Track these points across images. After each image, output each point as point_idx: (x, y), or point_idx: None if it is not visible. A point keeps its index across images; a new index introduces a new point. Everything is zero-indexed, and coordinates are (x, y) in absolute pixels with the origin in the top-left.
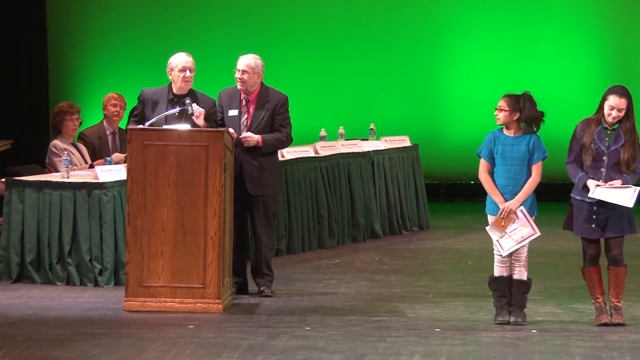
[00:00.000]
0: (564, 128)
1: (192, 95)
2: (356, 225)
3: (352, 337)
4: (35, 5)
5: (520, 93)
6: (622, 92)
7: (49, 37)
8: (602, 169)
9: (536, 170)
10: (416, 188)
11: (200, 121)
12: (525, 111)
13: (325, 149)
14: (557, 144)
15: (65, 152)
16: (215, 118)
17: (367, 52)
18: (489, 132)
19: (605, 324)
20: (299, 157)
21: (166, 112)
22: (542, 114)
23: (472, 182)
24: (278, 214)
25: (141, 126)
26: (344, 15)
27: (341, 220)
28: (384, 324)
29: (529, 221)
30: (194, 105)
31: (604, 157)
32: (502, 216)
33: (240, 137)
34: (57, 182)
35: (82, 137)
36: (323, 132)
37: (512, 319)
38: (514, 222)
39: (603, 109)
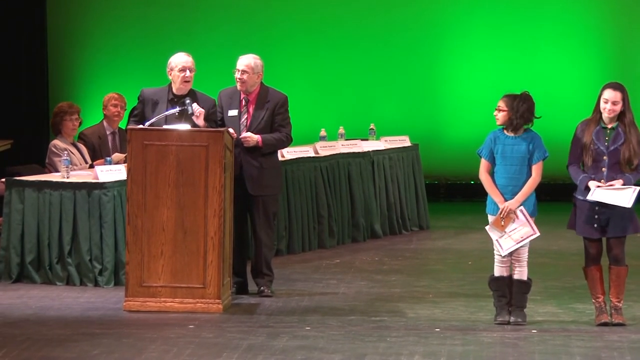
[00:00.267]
0: (564, 128)
1: (192, 95)
2: (356, 225)
3: (352, 337)
4: (35, 5)
5: (519, 93)
6: (615, 85)
7: (49, 37)
8: (603, 169)
9: (536, 170)
10: (416, 188)
11: (200, 121)
12: (515, 110)
13: (325, 149)
14: (557, 144)
15: (65, 152)
16: (215, 118)
17: (367, 52)
18: (490, 132)
19: (605, 324)
20: (299, 157)
21: (166, 112)
22: (532, 116)
23: (472, 182)
24: (278, 214)
25: (141, 126)
26: (344, 15)
27: (341, 220)
28: (384, 324)
29: (528, 221)
30: (194, 105)
31: (604, 157)
32: (501, 216)
33: (240, 137)
34: (57, 182)
35: (82, 137)
36: (323, 132)
37: (512, 319)
38: (513, 222)
39: (599, 107)
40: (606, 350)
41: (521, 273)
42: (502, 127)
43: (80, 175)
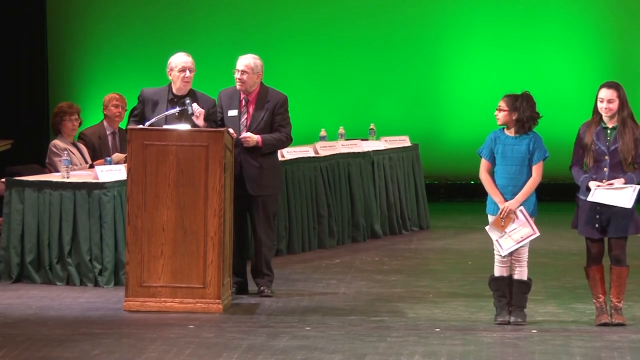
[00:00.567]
0: (564, 128)
1: (192, 95)
2: (356, 225)
3: (352, 337)
4: (35, 5)
5: (520, 93)
6: (609, 84)
7: (49, 37)
8: (605, 169)
9: (536, 171)
10: (416, 188)
11: (200, 121)
12: (521, 111)
13: (325, 149)
14: (557, 144)
15: (66, 152)
16: (215, 118)
17: (367, 52)
18: (490, 132)
19: (606, 324)
20: (299, 157)
21: (166, 112)
22: (538, 115)
23: (472, 182)
24: (278, 214)
25: (141, 126)
26: (344, 15)
27: (341, 220)
28: (384, 324)
29: (528, 221)
30: (194, 105)
31: (606, 157)
32: (501, 216)
33: (240, 137)
34: (57, 182)
35: (82, 137)
36: (323, 132)
37: (512, 319)
38: (513, 222)
39: (598, 107)
40: (606, 350)
41: (521, 273)
42: (502, 127)
43: (80, 175)
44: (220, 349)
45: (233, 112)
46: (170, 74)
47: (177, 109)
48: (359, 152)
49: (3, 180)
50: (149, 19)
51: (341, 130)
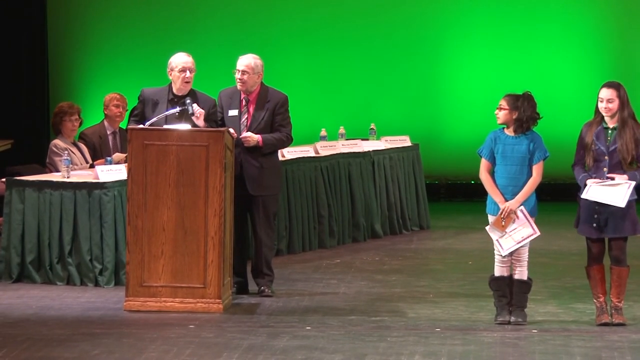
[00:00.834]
0: (564, 128)
1: (192, 95)
2: (356, 225)
3: (352, 337)
4: (35, 5)
5: (521, 93)
6: (610, 84)
7: (49, 37)
8: (605, 169)
9: (537, 170)
10: (416, 188)
11: (200, 122)
12: (521, 111)
13: (325, 148)
14: (557, 144)
15: (66, 151)
16: (215, 118)
17: (367, 52)
18: (491, 132)
19: (606, 324)
20: (299, 157)
21: (166, 112)
22: (538, 116)
23: (472, 182)
24: (278, 214)
25: (141, 126)
26: (344, 15)
27: (341, 220)
28: (384, 324)
29: (529, 221)
30: (194, 105)
31: (605, 157)
32: (502, 216)
33: (241, 137)
34: (57, 182)
35: (82, 137)
36: (323, 132)
37: (512, 318)
38: (513, 222)
39: (599, 107)
40: (606, 350)
41: (521, 273)
42: (502, 126)
43: (80, 175)
44: (221, 348)
45: (233, 112)
46: (171, 74)
47: (178, 109)
48: (359, 152)
49: (3, 180)
50: (149, 19)
51: (341, 130)
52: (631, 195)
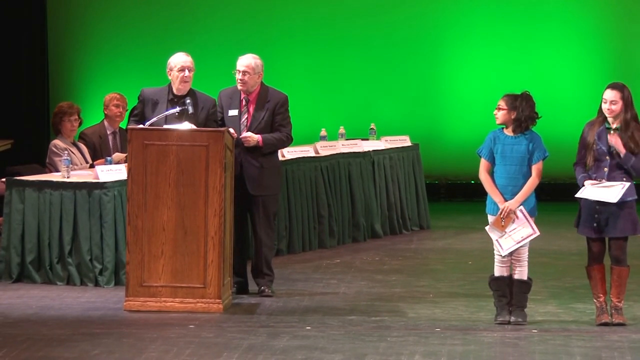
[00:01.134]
0: (564, 128)
1: (192, 95)
2: (356, 225)
3: (352, 337)
4: (35, 5)
5: (520, 93)
6: (613, 85)
7: (49, 37)
8: (605, 169)
9: (536, 170)
10: (416, 188)
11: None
12: (520, 110)
13: (325, 148)
14: (557, 144)
15: (66, 151)
16: (215, 118)
17: (367, 51)
18: (490, 132)
19: (606, 324)
20: (299, 157)
21: (166, 112)
22: (536, 115)
23: (472, 182)
24: (278, 214)
25: (141, 126)
26: (344, 15)
27: (341, 220)
28: (384, 323)
29: (528, 221)
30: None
31: (606, 157)
32: (501, 216)
33: (241, 137)
34: (57, 182)
35: (82, 137)
36: (323, 132)
37: (512, 318)
38: (513, 222)
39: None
40: (606, 350)
41: (521, 273)
42: (501, 126)
43: (80, 175)
44: (221, 348)
45: (233, 112)
46: (170, 74)
47: (177, 108)
48: (359, 152)
49: (3, 180)
50: (149, 19)
51: (341, 130)
52: (631, 195)
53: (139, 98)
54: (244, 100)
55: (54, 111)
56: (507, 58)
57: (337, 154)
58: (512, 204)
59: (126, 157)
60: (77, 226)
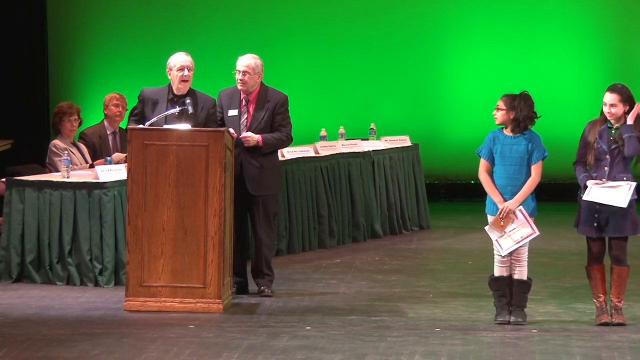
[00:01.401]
0: (564, 128)
1: (192, 94)
2: (356, 225)
3: (352, 337)
4: (35, 5)
5: (518, 93)
6: (613, 87)
7: (49, 37)
8: (605, 168)
9: (535, 170)
10: (416, 188)
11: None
12: (518, 110)
13: (325, 148)
14: (556, 143)
15: (66, 151)
16: (215, 118)
17: (367, 51)
18: (490, 132)
19: (606, 324)
20: (299, 157)
21: (166, 112)
22: (535, 115)
23: (472, 182)
24: (278, 214)
25: (141, 126)
26: (344, 15)
27: (341, 220)
28: (384, 323)
29: (528, 221)
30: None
31: (607, 156)
32: (501, 216)
33: (240, 137)
34: (57, 182)
35: (82, 137)
36: (323, 132)
37: (512, 318)
38: (513, 222)
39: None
40: (606, 350)
41: (521, 273)
42: (501, 126)
43: (80, 175)
44: (220, 348)
45: (233, 112)
46: (170, 74)
47: (177, 108)
48: (359, 152)
49: (3, 180)
50: (149, 19)
51: (341, 130)
52: (632, 195)
53: (138, 98)
54: (243, 100)
55: (53, 111)
56: (507, 58)
57: (337, 154)
58: (511, 204)
59: (126, 157)
60: (77, 226)
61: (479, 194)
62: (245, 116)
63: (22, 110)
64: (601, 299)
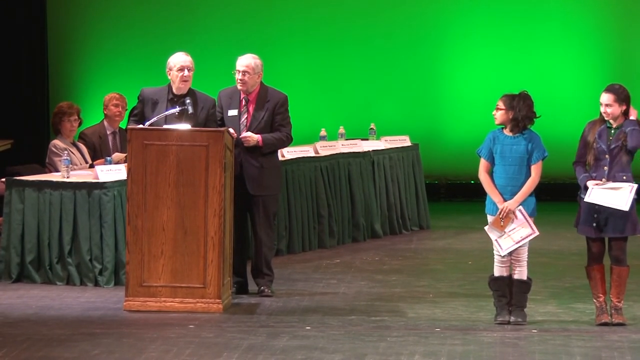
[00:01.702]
0: (564, 128)
1: (192, 95)
2: (356, 225)
3: (352, 337)
4: (35, 5)
5: (518, 92)
6: (609, 88)
7: (49, 37)
8: (605, 167)
9: (535, 170)
10: (416, 188)
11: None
12: (517, 110)
13: (325, 148)
14: (556, 144)
15: (66, 151)
16: (215, 118)
17: (367, 51)
18: (490, 132)
19: (606, 324)
20: (299, 157)
21: (166, 112)
22: (534, 115)
23: (472, 182)
24: (278, 214)
25: (141, 126)
26: (344, 15)
27: (341, 220)
28: (384, 323)
29: (527, 221)
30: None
31: (606, 156)
32: (501, 216)
33: (240, 137)
34: (57, 182)
35: (82, 137)
36: (323, 132)
37: (512, 318)
38: (512, 222)
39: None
40: (606, 350)
41: (521, 273)
42: (501, 126)
43: (80, 175)
44: (220, 348)
45: (233, 112)
46: (169, 74)
47: (177, 108)
48: (359, 152)
49: (3, 180)
50: (149, 19)
51: (341, 130)
52: (633, 197)
53: (138, 98)
54: (243, 100)
55: (53, 111)
56: (507, 58)
57: (337, 154)
58: (511, 204)
59: (126, 157)
60: (76, 226)
61: (479, 194)
62: (245, 116)
63: (22, 110)
64: (601, 299)
